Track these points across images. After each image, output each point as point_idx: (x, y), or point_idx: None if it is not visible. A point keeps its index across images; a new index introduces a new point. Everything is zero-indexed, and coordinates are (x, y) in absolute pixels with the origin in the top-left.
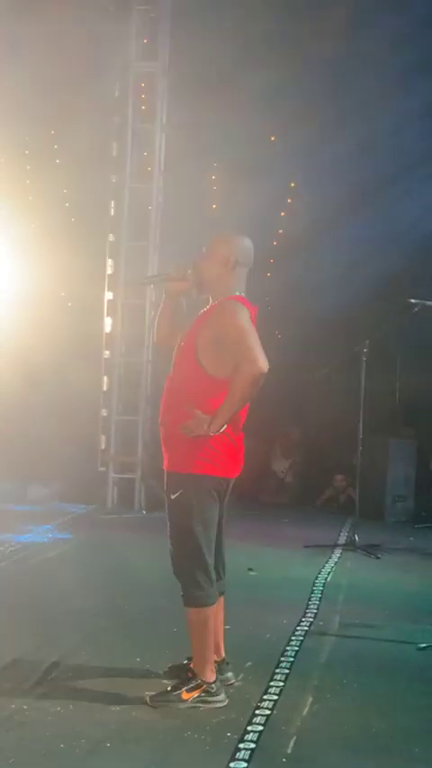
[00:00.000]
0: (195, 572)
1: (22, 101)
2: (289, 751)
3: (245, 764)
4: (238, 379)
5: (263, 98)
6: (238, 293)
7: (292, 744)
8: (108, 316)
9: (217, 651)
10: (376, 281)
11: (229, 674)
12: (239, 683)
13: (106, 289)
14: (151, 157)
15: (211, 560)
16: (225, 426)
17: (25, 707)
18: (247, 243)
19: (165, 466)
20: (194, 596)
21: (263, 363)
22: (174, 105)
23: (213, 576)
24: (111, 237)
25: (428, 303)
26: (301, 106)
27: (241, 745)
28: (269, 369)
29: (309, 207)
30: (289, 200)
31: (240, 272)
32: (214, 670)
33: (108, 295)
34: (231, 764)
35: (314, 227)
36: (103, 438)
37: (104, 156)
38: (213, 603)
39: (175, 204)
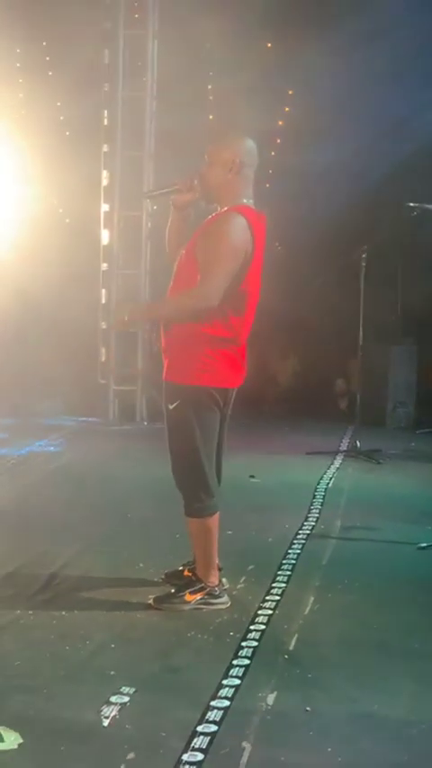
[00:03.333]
0: (195, 483)
1: (12, 14)
2: (291, 648)
3: (247, 661)
4: (186, 297)
5: (257, 4)
6: (245, 201)
7: (293, 641)
8: (105, 228)
9: None
10: (375, 186)
11: (224, 580)
12: (242, 585)
13: (102, 201)
14: (144, 65)
15: (211, 471)
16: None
17: (30, 612)
18: (250, 143)
19: (163, 376)
20: (194, 507)
21: (213, 301)
22: (166, 12)
23: (214, 486)
24: (105, 148)
25: (427, 206)
26: (295, 11)
27: (244, 644)
28: (275, 283)
29: (306, 115)
30: (287, 109)
31: (247, 174)
32: (217, 574)
33: (104, 207)
34: (234, 662)
35: (312, 134)
36: (102, 350)
37: (96, 66)
38: (214, 513)
39: (170, 114)
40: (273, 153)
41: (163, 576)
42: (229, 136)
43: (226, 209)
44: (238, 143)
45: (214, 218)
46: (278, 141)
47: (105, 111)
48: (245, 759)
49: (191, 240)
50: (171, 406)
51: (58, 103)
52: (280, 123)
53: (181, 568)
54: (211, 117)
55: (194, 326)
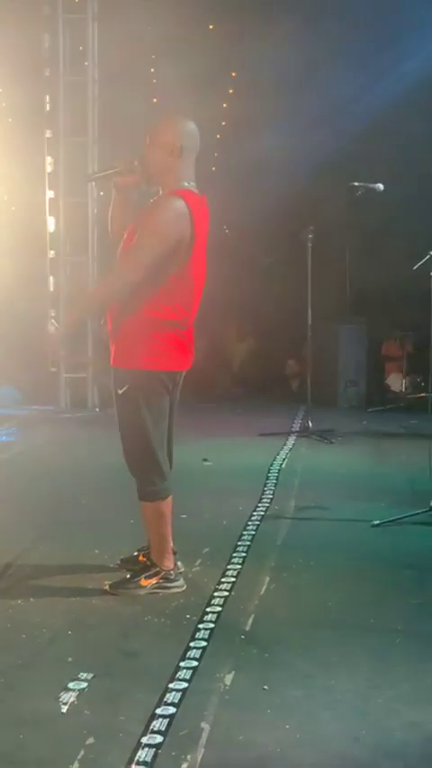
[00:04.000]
0: (147, 467)
1: None
2: (247, 628)
3: (204, 643)
4: (104, 279)
5: None
6: (186, 184)
7: (250, 622)
8: (50, 215)
9: None
10: (319, 168)
11: (179, 563)
12: (198, 567)
13: (47, 187)
14: (85, 49)
15: (162, 455)
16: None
17: None
18: (191, 126)
19: (111, 361)
20: (147, 491)
21: (131, 276)
22: None
23: (166, 469)
24: (48, 134)
25: (371, 186)
26: None
27: (200, 626)
28: (224, 266)
29: (250, 98)
30: (231, 91)
31: (188, 157)
32: (172, 558)
33: (49, 194)
34: (191, 644)
35: (256, 117)
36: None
37: (37, 51)
38: (167, 497)
39: (113, 98)
40: (218, 136)
41: (118, 562)
42: (171, 119)
43: (167, 192)
44: (180, 126)
45: (154, 202)
46: (223, 124)
47: (47, 97)
48: (204, 739)
49: (132, 223)
50: (120, 391)
51: (9, 117)
52: (224, 106)
53: (136, 554)
54: (154, 101)
55: (140, 311)
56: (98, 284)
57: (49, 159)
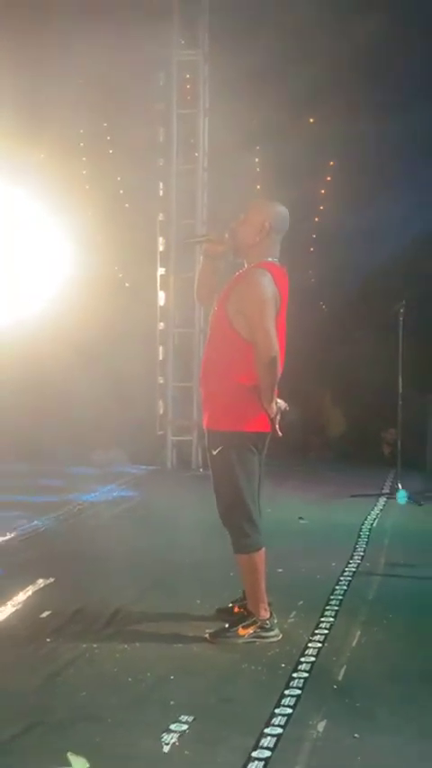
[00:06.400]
0: (241, 521)
1: (75, 97)
2: (339, 678)
3: (299, 692)
4: (258, 366)
5: (300, 84)
6: (270, 259)
7: (342, 672)
8: (161, 290)
9: None
10: (411, 246)
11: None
12: (293, 619)
13: (159, 265)
14: (196, 141)
15: (255, 509)
16: (275, 399)
17: (95, 645)
18: (282, 210)
19: (204, 424)
20: (242, 543)
21: (274, 349)
22: (216, 91)
23: (259, 523)
24: (161, 217)
25: None
26: (336, 88)
27: (294, 675)
28: (321, 339)
29: (347, 183)
30: (328, 179)
31: (274, 238)
32: (267, 608)
33: (160, 270)
34: (286, 692)
35: (352, 201)
36: (160, 403)
37: (153, 142)
38: (260, 548)
39: (220, 184)
40: (316, 219)
41: (214, 612)
42: (264, 201)
43: (252, 266)
44: (271, 208)
45: (242, 275)
46: (321, 208)
47: (161, 184)
48: None
49: (222, 294)
50: (215, 452)
51: (118, 178)
52: (323, 192)
53: (231, 605)
54: (258, 187)
55: (232, 378)
56: (260, 373)
57: (161, 239)
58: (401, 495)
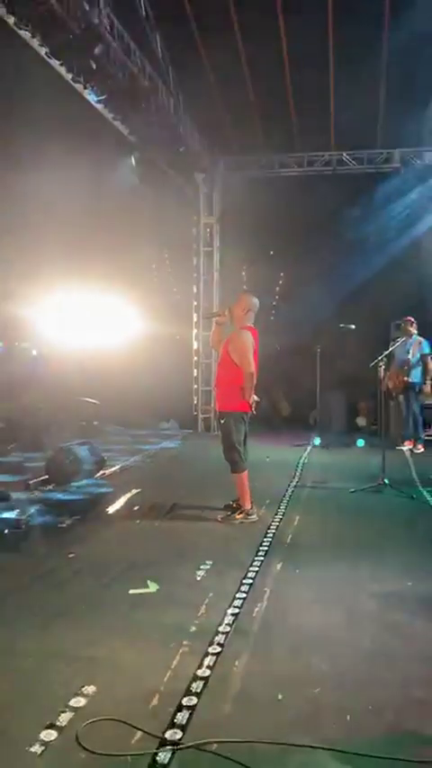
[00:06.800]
0: (234, 456)
1: (152, 241)
2: (288, 541)
3: (267, 547)
4: (244, 377)
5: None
6: (249, 324)
7: (289, 538)
8: (195, 340)
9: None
10: (325, 316)
11: (254, 506)
12: (263, 510)
13: (193, 327)
14: (212, 264)
15: (242, 450)
16: (252, 396)
17: (160, 524)
18: (256, 299)
19: (216, 407)
20: (236, 467)
21: (252, 369)
22: (222, 238)
23: (244, 457)
24: (194, 303)
25: (350, 326)
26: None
27: (264, 539)
28: (275, 363)
29: (294, 284)
30: (281, 282)
31: (252, 313)
32: (250, 503)
33: (194, 331)
34: (260, 548)
35: (297, 293)
36: (194, 398)
37: (189, 265)
38: (245, 471)
39: (225, 286)
40: (274, 302)
41: (223, 507)
42: (247, 295)
43: (240, 328)
44: (251, 300)
45: (235, 333)
46: (276, 297)
47: (193, 287)
48: (267, 595)
49: (225, 343)
50: (222, 421)
51: (174, 289)
52: (277, 288)
53: (231, 502)
54: (244, 286)
55: (234, 382)
56: (244, 381)
57: (194, 315)
58: (316, 442)
